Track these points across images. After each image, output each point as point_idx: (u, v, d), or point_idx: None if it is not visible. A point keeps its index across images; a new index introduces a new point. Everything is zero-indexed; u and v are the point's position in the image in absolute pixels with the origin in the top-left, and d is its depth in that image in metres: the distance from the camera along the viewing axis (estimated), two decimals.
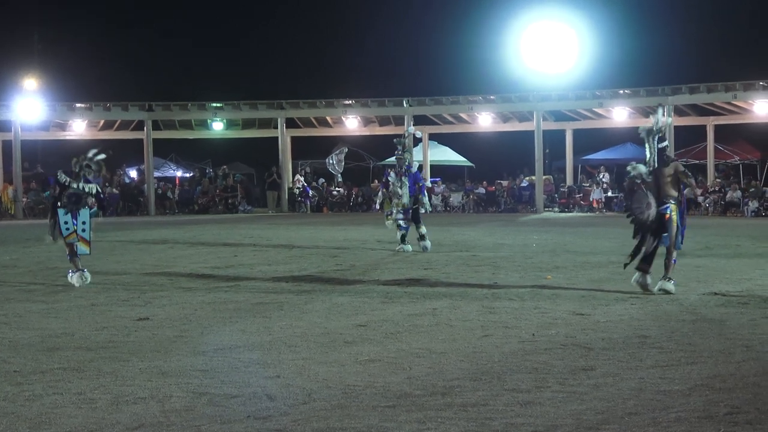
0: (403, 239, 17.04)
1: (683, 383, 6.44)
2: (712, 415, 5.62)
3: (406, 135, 17.73)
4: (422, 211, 17.29)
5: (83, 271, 12.57)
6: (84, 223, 12.72)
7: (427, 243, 17.09)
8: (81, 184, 12.81)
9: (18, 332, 8.76)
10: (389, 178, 17.30)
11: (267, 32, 59.78)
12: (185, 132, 40.59)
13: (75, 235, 12.66)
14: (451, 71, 50.44)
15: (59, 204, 12.76)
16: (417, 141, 17.05)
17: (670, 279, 11.08)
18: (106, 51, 51.76)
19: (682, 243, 11.43)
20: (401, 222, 17.03)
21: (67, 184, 12.78)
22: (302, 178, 38.91)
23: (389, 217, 17.28)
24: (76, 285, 12.30)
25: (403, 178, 17.06)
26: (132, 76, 50.55)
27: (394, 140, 17.59)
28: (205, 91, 43.18)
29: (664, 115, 11.25)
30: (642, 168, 11.28)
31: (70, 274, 12.54)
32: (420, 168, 19.04)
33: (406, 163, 17.31)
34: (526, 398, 6.06)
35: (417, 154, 38.33)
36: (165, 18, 58.16)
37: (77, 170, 12.90)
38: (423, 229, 17.14)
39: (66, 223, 12.68)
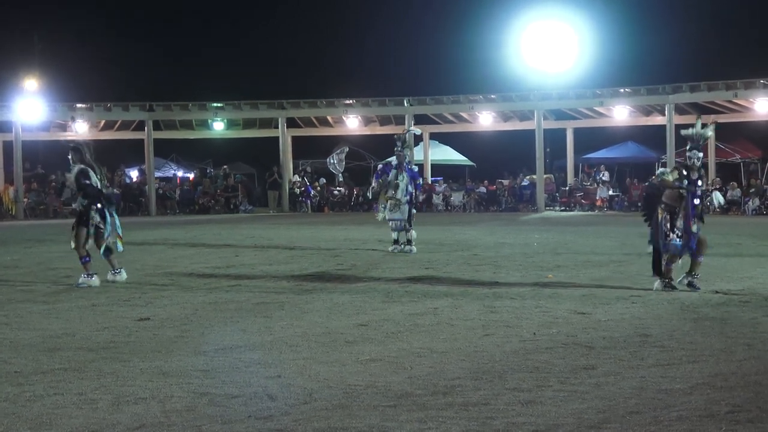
0: (396, 241, 16.89)
1: (685, 382, 6.44)
2: (713, 414, 5.61)
3: (406, 132, 17.64)
4: (414, 212, 17.07)
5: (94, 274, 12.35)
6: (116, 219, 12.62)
7: (414, 248, 16.72)
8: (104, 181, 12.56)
9: (19, 333, 8.75)
10: (388, 172, 17.16)
11: (267, 32, 59.87)
12: (186, 132, 40.62)
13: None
14: (451, 70, 50.54)
15: (100, 206, 12.36)
16: (417, 140, 16.96)
17: (660, 279, 11.21)
18: (107, 51, 51.84)
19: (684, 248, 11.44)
20: (393, 224, 16.89)
21: (98, 186, 12.42)
22: (299, 179, 38.88)
23: (382, 209, 17.23)
24: (98, 284, 12.21)
25: (401, 174, 16.99)
26: (132, 76, 50.65)
27: (395, 136, 17.56)
28: (205, 91, 43.25)
29: (704, 127, 11.37)
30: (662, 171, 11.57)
31: (85, 278, 12.26)
32: (420, 168, 18.98)
33: (406, 160, 17.27)
34: (528, 397, 6.06)
35: (418, 154, 38.44)
36: (165, 18, 58.24)
37: (89, 157, 12.42)
38: (413, 234, 16.95)
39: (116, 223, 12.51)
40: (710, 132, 11.61)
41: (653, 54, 47.55)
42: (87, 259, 12.37)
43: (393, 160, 17.59)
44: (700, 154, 11.31)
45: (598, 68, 42.54)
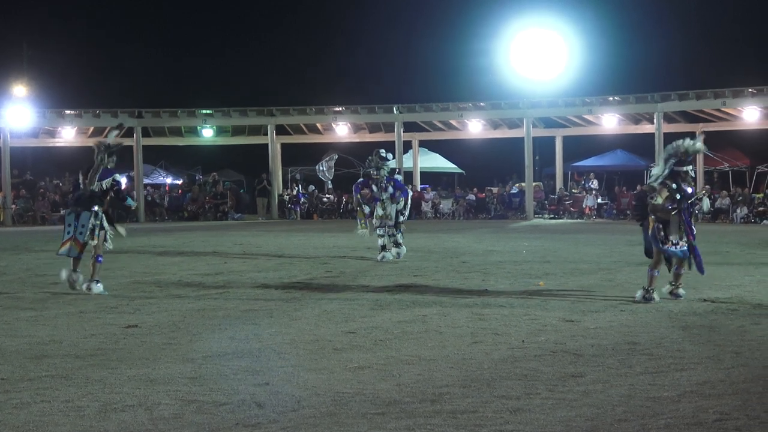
0: (383, 248, 16.89)
1: (673, 390, 6.45)
2: (701, 422, 5.62)
3: (376, 154, 17.48)
4: (401, 219, 17.07)
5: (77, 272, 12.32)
6: (83, 226, 12.34)
7: (402, 250, 16.89)
8: (95, 185, 12.55)
9: (6, 339, 8.71)
10: (372, 188, 17.13)
11: (257, 39, 59.89)
12: (175, 139, 40.50)
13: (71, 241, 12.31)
14: (441, 78, 50.64)
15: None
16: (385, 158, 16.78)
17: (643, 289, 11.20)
18: (96, 58, 51.79)
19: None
20: (380, 231, 16.86)
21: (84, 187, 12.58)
22: (298, 187, 38.89)
23: (361, 225, 17.24)
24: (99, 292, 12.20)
25: (383, 194, 16.93)
26: (121, 82, 50.57)
27: (368, 159, 17.50)
28: (194, 98, 43.21)
29: (698, 141, 11.33)
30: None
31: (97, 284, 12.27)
32: (398, 171, 18.81)
33: (384, 179, 17.10)
34: (516, 405, 6.06)
35: (407, 161, 38.46)
36: (154, 25, 58.19)
37: (99, 162, 12.54)
38: (400, 237, 16.97)
39: (69, 225, 12.40)
40: (699, 144, 11.53)
41: (642, 62, 47.75)
42: (100, 259, 12.47)
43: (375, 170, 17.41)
44: (691, 167, 11.35)
45: (587, 76, 42.70)
